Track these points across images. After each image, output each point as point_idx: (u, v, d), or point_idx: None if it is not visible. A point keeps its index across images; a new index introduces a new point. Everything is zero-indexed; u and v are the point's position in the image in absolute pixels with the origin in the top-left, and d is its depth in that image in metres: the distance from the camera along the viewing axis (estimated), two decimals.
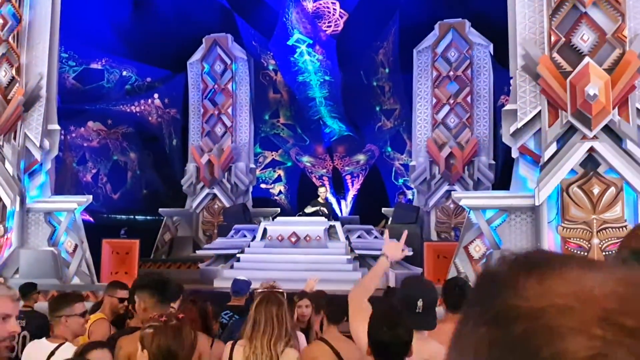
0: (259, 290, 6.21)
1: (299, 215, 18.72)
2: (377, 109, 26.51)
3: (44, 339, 5.32)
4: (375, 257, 16.33)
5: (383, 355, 3.85)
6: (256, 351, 5.08)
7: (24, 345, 6.84)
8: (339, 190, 27.68)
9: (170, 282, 5.79)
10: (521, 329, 0.76)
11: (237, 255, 16.94)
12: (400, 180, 26.17)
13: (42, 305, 11.45)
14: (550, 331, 0.75)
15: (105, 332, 6.72)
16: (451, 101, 20.92)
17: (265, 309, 5.23)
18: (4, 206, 14.98)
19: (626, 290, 0.76)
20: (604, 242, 11.60)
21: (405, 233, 5.18)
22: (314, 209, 18.03)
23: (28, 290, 10.33)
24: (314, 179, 28.20)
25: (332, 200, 25.56)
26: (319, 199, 18.81)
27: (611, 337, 0.72)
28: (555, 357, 0.73)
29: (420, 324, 4.29)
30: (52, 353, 4.75)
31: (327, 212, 18.10)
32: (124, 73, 25.04)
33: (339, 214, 23.97)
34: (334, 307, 6.26)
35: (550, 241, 12.06)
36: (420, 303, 4.40)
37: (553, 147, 12.02)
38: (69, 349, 4.82)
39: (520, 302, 0.78)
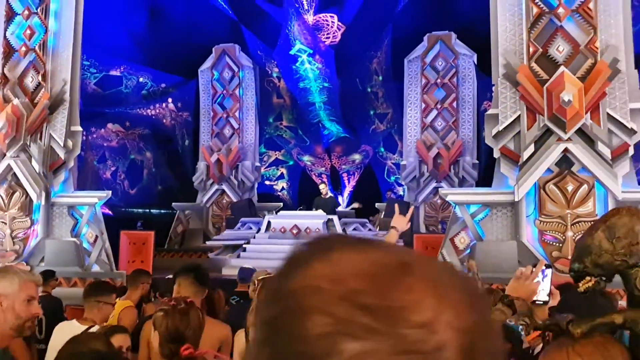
0: (260, 278, 6.23)
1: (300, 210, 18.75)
2: (372, 113, 26.49)
3: (74, 320, 5.42)
4: None
5: None
6: None
7: (39, 327, 6.89)
8: (337, 186, 27.63)
9: (205, 270, 5.86)
10: (279, 308, 0.78)
11: (244, 245, 16.96)
12: (392, 178, 26.14)
13: (60, 290, 11.52)
14: (299, 310, 0.75)
15: (134, 319, 6.83)
16: (438, 106, 20.92)
17: None
18: (31, 200, 14.96)
19: (376, 271, 0.76)
20: (577, 234, 11.57)
21: (412, 209, 5.59)
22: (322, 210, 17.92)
23: (47, 277, 10.36)
24: (313, 177, 28.17)
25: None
26: (322, 195, 18.90)
27: (345, 315, 0.72)
28: (300, 334, 0.74)
29: None
30: None
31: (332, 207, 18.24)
32: (141, 79, 25.02)
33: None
34: None
35: (529, 234, 12.08)
36: None
37: (531, 148, 12.02)
38: None
39: (286, 282, 0.79)
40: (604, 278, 2.41)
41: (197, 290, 5.24)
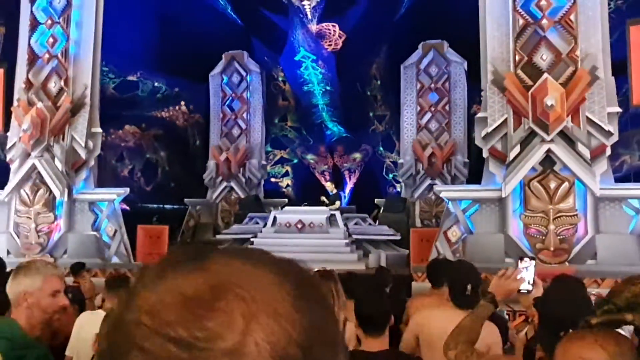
0: None
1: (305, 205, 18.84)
2: (371, 114, 26.51)
3: (99, 310, 5.37)
4: (369, 241, 16.54)
5: (367, 324, 3.75)
6: None
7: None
8: (339, 183, 27.63)
9: None
10: (110, 341, 0.73)
11: (251, 239, 16.90)
12: (390, 175, 26.13)
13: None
14: (122, 345, 0.70)
15: None
16: (432, 109, 20.96)
17: None
18: (54, 197, 15.07)
19: (188, 298, 0.70)
20: (559, 227, 11.76)
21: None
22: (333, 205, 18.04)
23: (78, 268, 10.40)
24: (316, 174, 28.19)
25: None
26: (330, 192, 19.16)
27: (157, 350, 0.67)
28: None
29: (469, 303, 4.20)
30: None
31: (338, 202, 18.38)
32: (156, 84, 25.06)
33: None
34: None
35: (515, 227, 12.22)
36: (469, 287, 4.46)
37: (517, 149, 12.16)
38: None
39: (123, 314, 0.73)
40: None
41: None
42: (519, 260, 4.23)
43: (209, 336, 0.67)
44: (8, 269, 10.65)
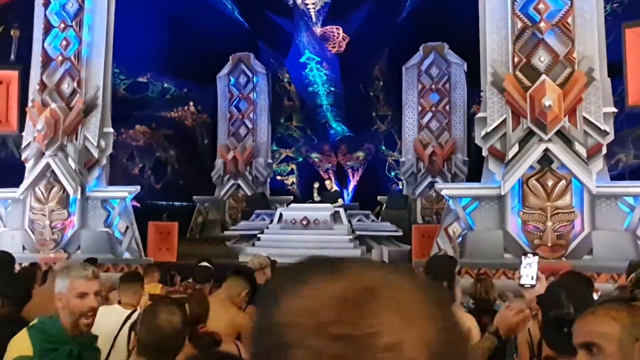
0: (264, 264, 6.38)
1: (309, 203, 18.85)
2: (373, 114, 26.46)
3: (116, 305, 5.31)
4: (372, 237, 16.55)
5: None
6: None
7: None
8: (342, 181, 27.62)
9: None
10: (266, 345, 0.78)
11: (258, 235, 16.99)
12: (392, 173, 26.11)
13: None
14: (281, 346, 0.76)
15: None
16: (433, 109, 21.05)
17: None
18: (68, 195, 15.11)
19: (342, 300, 0.75)
20: (556, 224, 11.80)
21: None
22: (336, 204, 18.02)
23: (90, 264, 10.52)
24: (321, 172, 28.18)
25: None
26: (329, 190, 19.08)
27: (319, 347, 0.73)
28: None
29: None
30: (129, 317, 4.71)
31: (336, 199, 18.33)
32: (165, 85, 25.02)
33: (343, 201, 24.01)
34: None
35: (513, 224, 12.26)
36: (445, 284, 4.40)
37: (515, 148, 12.20)
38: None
39: (270, 319, 0.79)
40: None
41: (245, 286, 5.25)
42: (523, 257, 4.28)
43: (370, 333, 0.73)
44: (24, 264, 10.83)
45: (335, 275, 0.79)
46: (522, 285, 4.10)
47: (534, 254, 4.42)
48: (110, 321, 4.53)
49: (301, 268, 0.83)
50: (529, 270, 4.16)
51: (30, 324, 3.33)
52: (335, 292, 0.77)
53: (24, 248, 14.91)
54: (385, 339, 0.73)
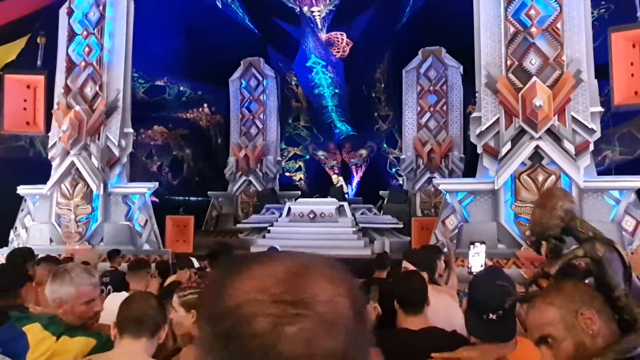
0: None
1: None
2: (375, 114, 26.52)
3: (124, 292, 5.30)
4: (374, 229, 16.56)
5: (406, 304, 3.45)
6: None
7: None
8: (347, 177, 27.69)
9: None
10: (230, 321, 0.87)
11: (268, 228, 17.05)
12: (393, 169, 26.16)
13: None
14: (245, 320, 0.86)
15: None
16: (431, 109, 20.98)
17: None
18: (91, 191, 15.10)
19: (286, 275, 0.90)
20: None
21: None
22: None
23: (113, 255, 10.54)
24: (327, 169, 28.29)
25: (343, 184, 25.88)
26: (336, 185, 19.14)
27: (278, 312, 0.86)
28: (254, 333, 0.85)
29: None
30: None
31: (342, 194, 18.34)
32: (181, 88, 25.06)
33: (347, 196, 24.05)
34: None
35: (506, 216, 12.20)
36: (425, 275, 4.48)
37: (508, 145, 12.17)
38: None
39: (223, 302, 0.89)
40: (553, 240, 2.40)
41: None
42: (471, 246, 4.25)
43: (313, 294, 0.89)
44: (52, 255, 10.84)
45: (272, 261, 0.93)
46: (472, 273, 4.06)
47: (482, 243, 4.40)
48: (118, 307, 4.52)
49: (238, 261, 0.96)
50: (478, 259, 4.15)
51: (53, 333, 3.08)
52: (278, 271, 0.90)
53: (51, 240, 14.96)
54: (324, 297, 0.89)
